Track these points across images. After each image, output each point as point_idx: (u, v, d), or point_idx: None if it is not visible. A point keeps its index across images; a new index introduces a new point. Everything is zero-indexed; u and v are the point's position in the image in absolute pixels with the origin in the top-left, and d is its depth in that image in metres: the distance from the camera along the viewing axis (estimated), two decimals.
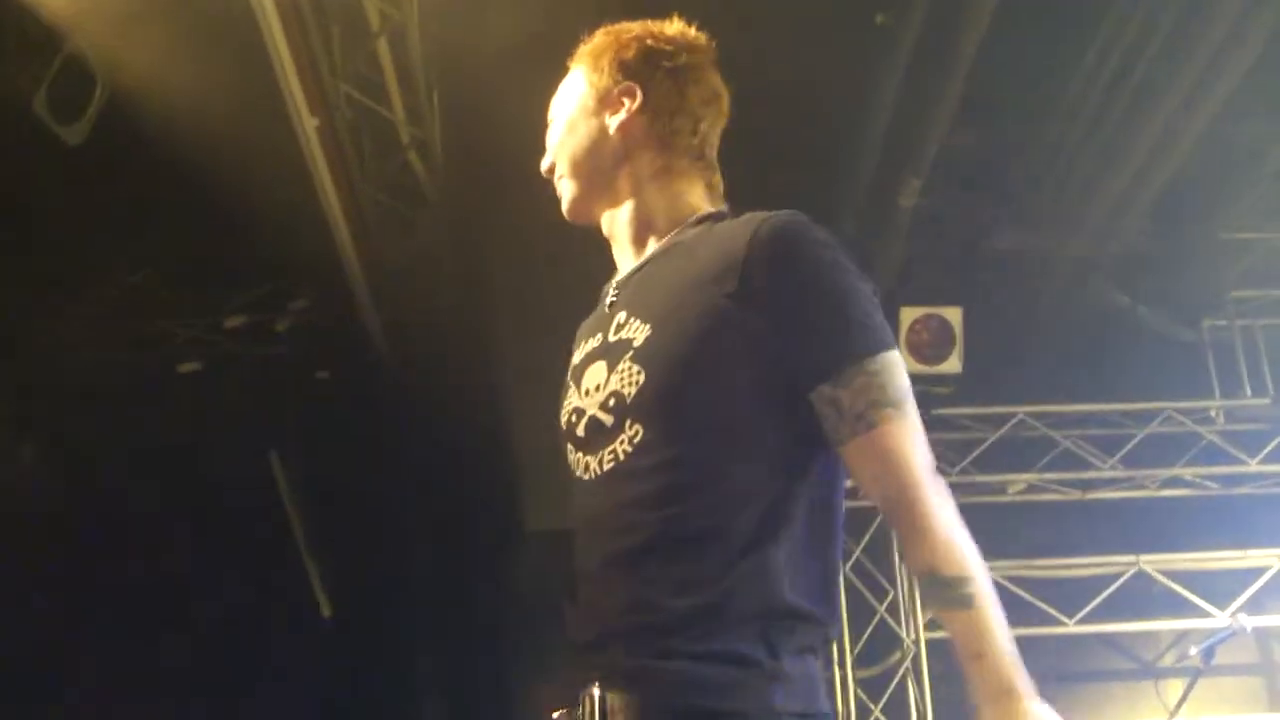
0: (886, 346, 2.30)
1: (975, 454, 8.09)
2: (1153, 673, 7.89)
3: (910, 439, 2.32)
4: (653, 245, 2.51)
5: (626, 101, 2.55)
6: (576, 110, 2.60)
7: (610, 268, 2.61)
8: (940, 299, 7.75)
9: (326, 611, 8.00)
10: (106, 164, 5.90)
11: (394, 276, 6.99)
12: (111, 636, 7.36)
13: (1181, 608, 7.85)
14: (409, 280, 7.03)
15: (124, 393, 7.57)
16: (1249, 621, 6.50)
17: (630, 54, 2.59)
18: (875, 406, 2.25)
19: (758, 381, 2.23)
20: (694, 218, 2.49)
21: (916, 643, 7.74)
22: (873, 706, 7.69)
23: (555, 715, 2.31)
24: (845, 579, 7.83)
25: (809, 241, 2.34)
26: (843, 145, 6.79)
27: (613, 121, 2.55)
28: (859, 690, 7.71)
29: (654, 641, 2.19)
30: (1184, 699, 6.62)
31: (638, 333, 2.35)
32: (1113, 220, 7.39)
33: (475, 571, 7.73)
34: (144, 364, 7.82)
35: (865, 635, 7.82)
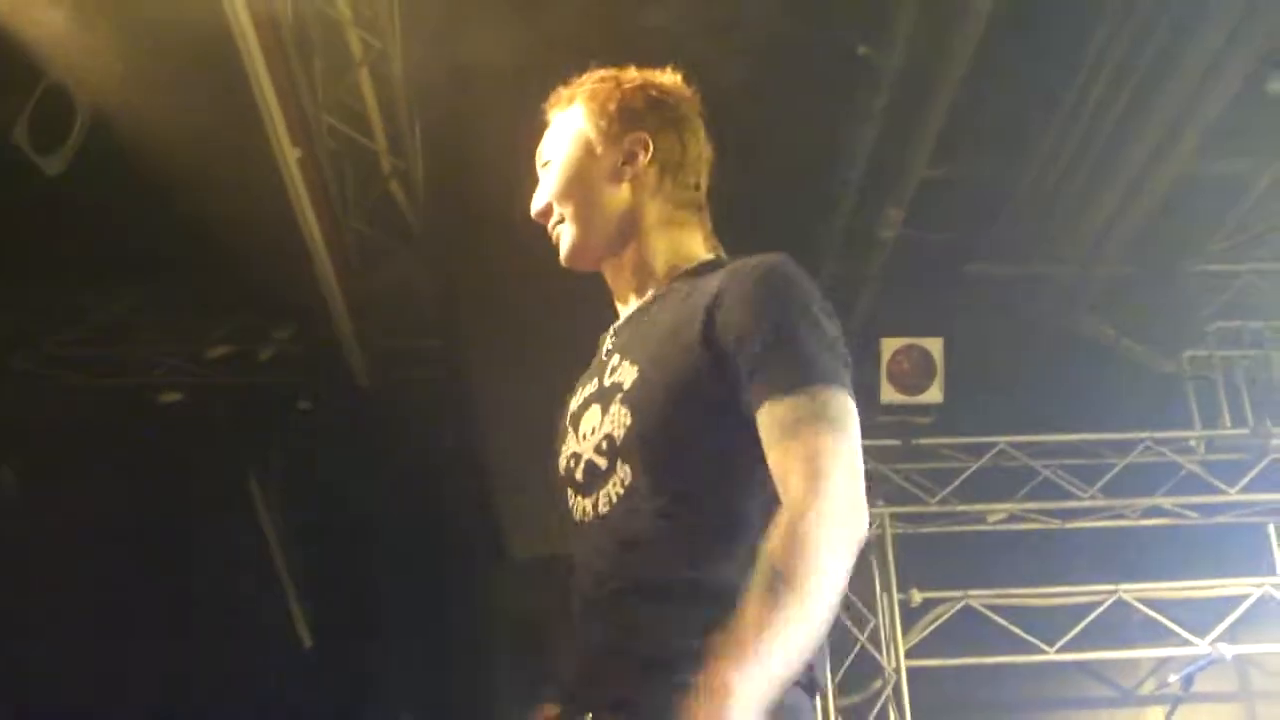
0: (835, 382, 2.21)
1: (956, 483, 8.10)
2: (1133, 700, 7.89)
3: (839, 453, 2.14)
4: (651, 292, 2.51)
5: (639, 153, 2.54)
6: (581, 155, 2.56)
7: (607, 313, 2.62)
8: (921, 330, 7.78)
9: (307, 641, 7.97)
10: (87, 194, 5.89)
11: (376, 306, 7.00)
12: (90, 666, 7.32)
13: (1161, 636, 7.86)
14: (391, 310, 7.04)
15: (104, 421, 7.55)
16: (1228, 649, 6.53)
17: (638, 103, 2.58)
18: (811, 420, 2.16)
19: (739, 414, 2.21)
20: (693, 265, 2.49)
21: (898, 671, 7.74)
22: None
23: None
24: None
25: (777, 277, 2.32)
26: (823, 177, 6.82)
27: (625, 172, 2.53)
28: (840, 718, 7.70)
29: (647, 677, 2.20)
30: None
31: (626, 375, 2.37)
32: (1094, 252, 7.43)
33: (456, 599, 7.72)
34: (126, 393, 7.80)
35: (846, 663, 7.81)
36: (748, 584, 2.15)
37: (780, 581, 2.04)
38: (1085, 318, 8.16)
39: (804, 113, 6.14)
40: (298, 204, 6.04)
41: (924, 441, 8.09)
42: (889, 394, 7.72)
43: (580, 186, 2.54)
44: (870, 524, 6.98)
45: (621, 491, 2.29)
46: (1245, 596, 7.98)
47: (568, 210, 2.54)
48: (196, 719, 7.37)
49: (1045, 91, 6.46)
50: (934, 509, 8.10)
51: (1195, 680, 6.46)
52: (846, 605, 7.89)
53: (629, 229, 2.54)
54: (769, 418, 2.19)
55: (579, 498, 2.41)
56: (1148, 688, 8.00)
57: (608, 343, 2.54)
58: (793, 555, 2.05)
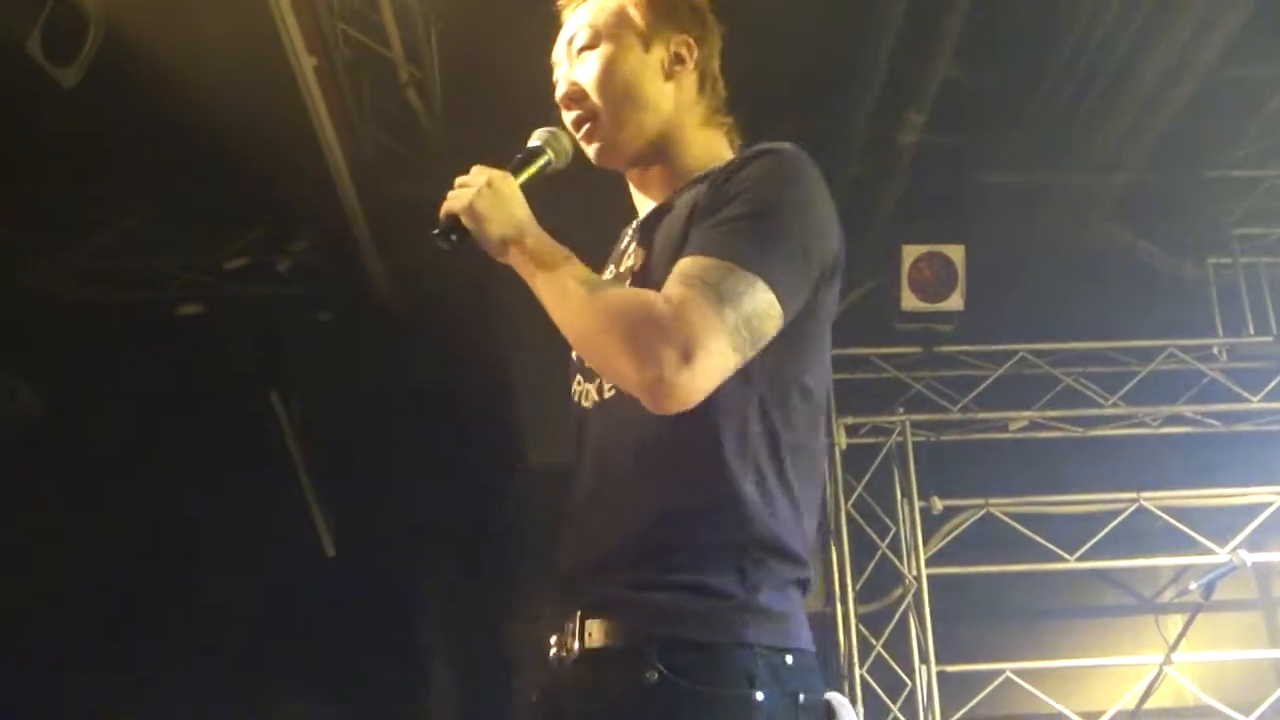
0: (764, 276, 2.13)
1: (977, 391, 8.09)
2: (1153, 608, 7.92)
3: (709, 324, 2.08)
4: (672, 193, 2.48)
5: (686, 56, 2.51)
6: (629, 48, 2.49)
7: (625, 218, 2.59)
8: (942, 237, 7.73)
9: (330, 551, 8.03)
10: (102, 106, 5.86)
11: (395, 216, 6.97)
12: (112, 577, 7.39)
13: (1182, 544, 7.88)
14: (410, 220, 7.00)
15: (124, 335, 7.56)
16: (1249, 557, 6.52)
17: (679, 3, 2.54)
18: (713, 283, 2.11)
19: None
20: (718, 164, 2.45)
21: (918, 578, 7.78)
22: (874, 642, 7.73)
23: (551, 641, 2.36)
24: (846, 515, 7.88)
25: (767, 163, 2.29)
26: (843, 82, 6.74)
27: (674, 72, 2.50)
28: (861, 626, 7.75)
29: (629, 571, 2.22)
30: (1183, 634, 6.65)
31: (637, 259, 2.38)
32: (1116, 156, 7.35)
33: (478, 507, 7.76)
34: (143, 306, 7.81)
35: (867, 571, 7.85)
36: (746, 474, 2.21)
37: (607, 296, 2.19)
38: (1108, 225, 8.10)
39: (821, 17, 6.06)
40: (314, 113, 6.00)
41: (945, 349, 8.07)
42: (910, 301, 7.68)
43: (627, 81, 2.48)
44: (891, 431, 7.06)
45: None
46: (1267, 505, 7.98)
47: (609, 104, 2.47)
48: (221, 632, 7.43)
49: None
50: (955, 416, 8.10)
51: (1216, 588, 6.46)
52: (867, 513, 7.93)
53: (669, 132, 2.50)
54: (679, 267, 2.17)
55: (585, 383, 2.42)
56: (1168, 596, 8.03)
57: (628, 235, 2.52)
58: (621, 307, 2.15)
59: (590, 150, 2.52)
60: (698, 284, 2.10)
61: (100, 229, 7.66)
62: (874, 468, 7.99)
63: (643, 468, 2.26)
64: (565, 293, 2.19)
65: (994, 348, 8.15)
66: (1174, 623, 6.96)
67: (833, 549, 7.80)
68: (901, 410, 8.07)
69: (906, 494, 7.95)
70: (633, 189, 2.60)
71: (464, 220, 2.26)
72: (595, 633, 2.22)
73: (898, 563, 7.85)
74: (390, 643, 7.72)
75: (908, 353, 8.08)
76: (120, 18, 5.44)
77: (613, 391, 2.33)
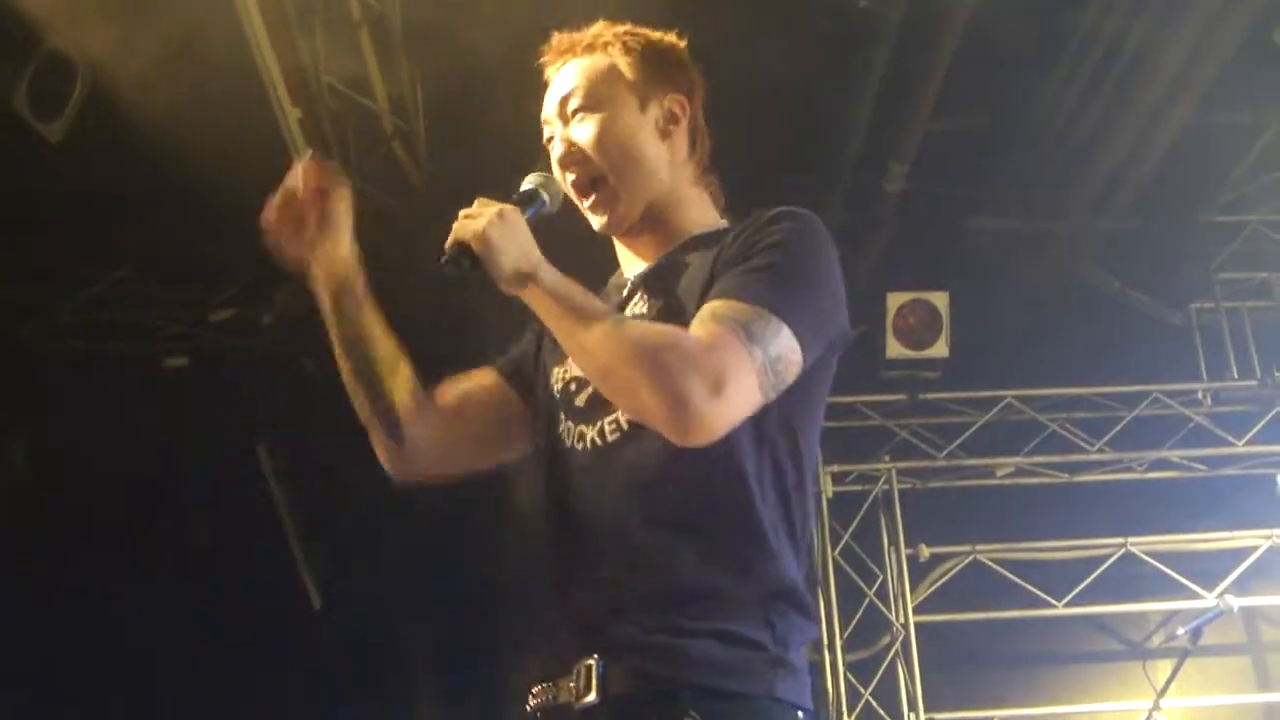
0: (790, 322, 2.17)
1: (963, 438, 8.10)
2: (1141, 654, 7.90)
3: (739, 360, 2.11)
4: (670, 248, 2.49)
5: (679, 114, 2.51)
6: (628, 109, 2.48)
7: (606, 271, 2.58)
8: (927, 284, 7.76)
9: (317, 603, 7.99)
10: (88, 160, 5.87)
11: (379, 266, 6.96)
12: (98, 630, 7.34)
13: (1169, 589, 7.88)
14: (393, 270, 7.01)
15: (109, 388, 7.54)
16: (1236, 601, 6.53)
17: (673, 63, 2.54)
18: (742, 323, 2.14)
19: None
20: (719, 228, 2.48)
21: (906, 626, 7.76)
22: (862, 690, 7.70)
23: (536, 690, 2.32)
24: (834, 563, 7.87)
25: (785, 221, 2.31)
26: (827, 131, 6.78)
27: (670, 131, 2.50)
28: (848, 674, 7.72)
29: (655, 616, 2.19)
30: (1172, 679, 6.64)
31: (650, 308, 2.37)
32: (1100, 203, 7.40)
33: (466, 557, 7.72)
34: (129, 359, 7.80)
35: (855, 619, 7.84)
36: (770, 521, 2.23)
37: (634, 329, 2.18)
38: (1092, 270, 8.14)
39: (806, 66, 6.10)
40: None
41: (931, 396, 8.09)
42: (895, 349, 7.71)
43: (627, 143, 2.46)
44: (877, 478, 7.05)
45: (630, 422, 2.27)
46: (1253, 548, 7.98)
47: (610, 168, 2.45)
48: (206, 683, 7.38)
49: (1049, 43, 6.42)
50: (941, 463, 8.11)
51: (1203, 633, 6.46)
52: (854, 561, 7.92)
53: (666, 192, 2.49)
54: (707, 309, 2.19)
55: (573, 423, 2.39)
56: (1156, 641, 8.01)
57: (625, 288, 2.50)
58: (651, 338, 2.14)
59: (598, 220, 2.50)
60: (728, 322, 2.13)
61: (85, 282, 7.66)
62: (860, 515, 8.00)
63: (662, 511, 2.25)
64: (589, 326, 2.17)
65: (979, 394, 8.16)
66: (1162, 668, 6.93)
67: (820, 597, 7.78)
68: (887, 458, 8.08)
69: (893, 541, 7.95)
70: (619, 245, 2.58)
71: (476, 248, 2.21)
72: (620, 679, 2.18)
73: (885, 610, 7.83)
74: (378, 694, 7.67)
75: (893, 400, 8.09)
76: (106, 72, 5.46)
77: (617, 434, 2.32)
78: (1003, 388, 8.15)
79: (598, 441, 2.35)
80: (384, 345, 2.60)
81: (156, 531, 7.53)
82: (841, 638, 7.76)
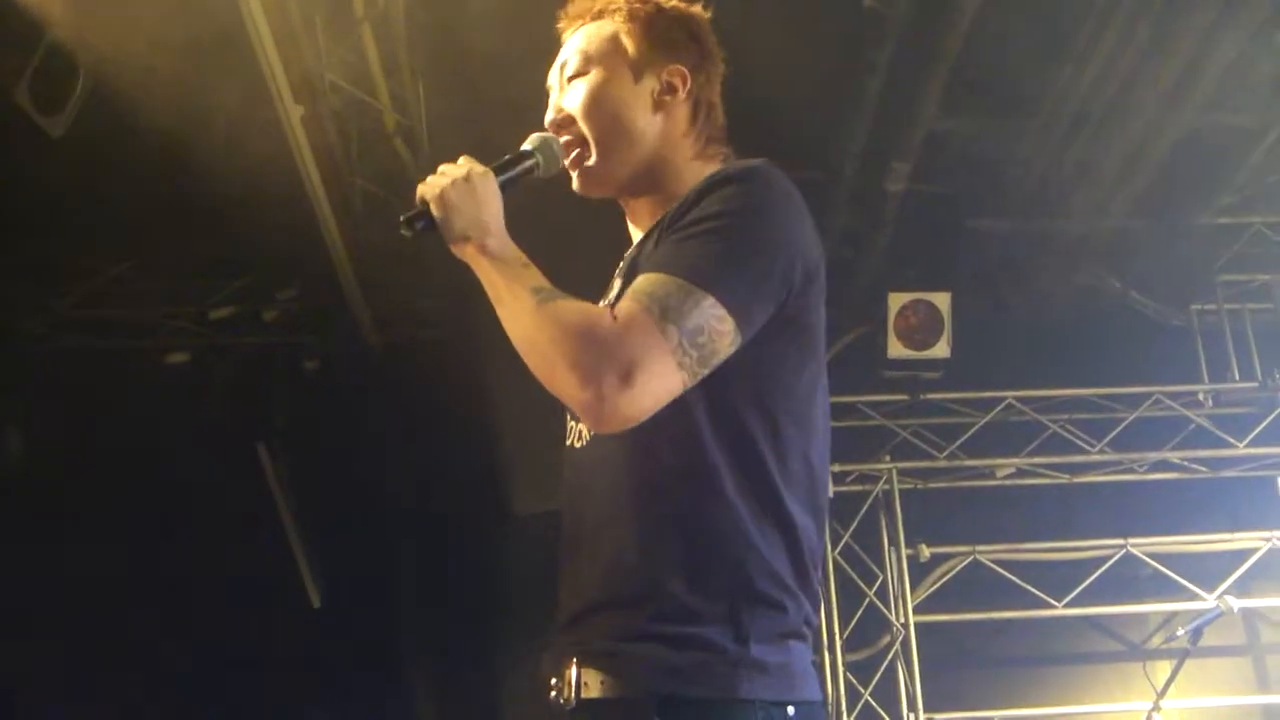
0: (711, 287, 2.08)
1: (964, 438, 8.10)
2: (1141, 654, 7.90)
3: (652, 328, 2.04)
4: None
5: (678, 86, 2.46)
6: (618, 76, 2.45)
7: (612, 258, 2.56)
8: (929, 284, 7.76)
9: (316, 602, 7.99)
10: (91, 155, 5.88)
11: (382, 265, 6.98)
12: (100, 627, 7.34)
13: (1169, 590, 7.88)
14: (397, 268, 7.02)
15: (111, 382, 7.55)
16: (1236, 603, 6.53)
17: (679, 33, 2.49)
18: (647, 299, 2.08)
19: None
20: None
21: (906, 626, 7.76)
22: (862, 690, 7.70)
23: (554, 681, 2.30)
24: (834, 563, 7.87)
25: (731, 180, 2.24)
26: (830, 130, 6.78)
27: (664, 102, 2.45)
28: (848, 674, 7.72)
29: (621, 619, 2.17)
30: (1171, 680, 6.64)
31: (620, 286, 2.33)
32: (1102, 204, 7.40)
33: (464, 557, 7.72)
34: (131, 354, 7.80)
35: (854, 620, 7.84)
36: (740, 513, 2.16)
37: (556, 307, 2.10)
38: (1094, 272, 8.14)
39: (810, 66, 6.09)
40: (301, 162, 6.03)
41: (932, 397, 8.09)
42: (896, 349, 7.70)
43: (614, 110, 2.43)
44: (878, 479, 7.04)
45: None
46: (1253, 550, 7.99)
47: (595, 133, 2.43)
48: (205, 680, 7.38)
49: (1052, 44, 6.41)
50: (942, 464, 8.10)
51: (1203, 634, 6.46)
52: (854, 561, 7.92)
53: (658, 164, 2.45)
54: (633, 284, 2.13)
55: (575, 421, 2.37)
56: (1156, 642, 8.02)
57: (622, 262, 2.47)
58: (567, 322, 2.08)
59: (575, 178, 2.47)
60: (645, 299, 2.06)
61: (88, 277, 7.67)
62: (861, 515, 7.99)
63: (624, 509, 2.21)
64: (517, 299, 2.14)
65: (980, 395, 8.16)
66: (1162, 669, 6.94)
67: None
68: (888, 458, 8.07)
69: (894, 542, 7.94)
70: (628, 220, 2.55)
71: (433, 208, 2.21)
72: (592, 684, 2.17)
73: (885, 611, 7.83)
74: (378, 693, 7.67)
75: (894, 400, 8.08)
76: (108, 67, 5.46)
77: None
78: (1004, 388, 8.15)
79: (585, 437, 2.33)
80: None
81: (155, 528, 7.53)
82: (841, 637, 7.77)
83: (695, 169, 2.44)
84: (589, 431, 2.31)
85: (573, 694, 2.19)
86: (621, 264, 2.46)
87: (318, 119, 6.01)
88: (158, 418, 7.44)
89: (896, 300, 7.74)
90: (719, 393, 2.14)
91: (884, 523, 8.00)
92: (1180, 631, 6.61)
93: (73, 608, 7.34)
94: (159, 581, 7.47)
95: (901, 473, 8.05)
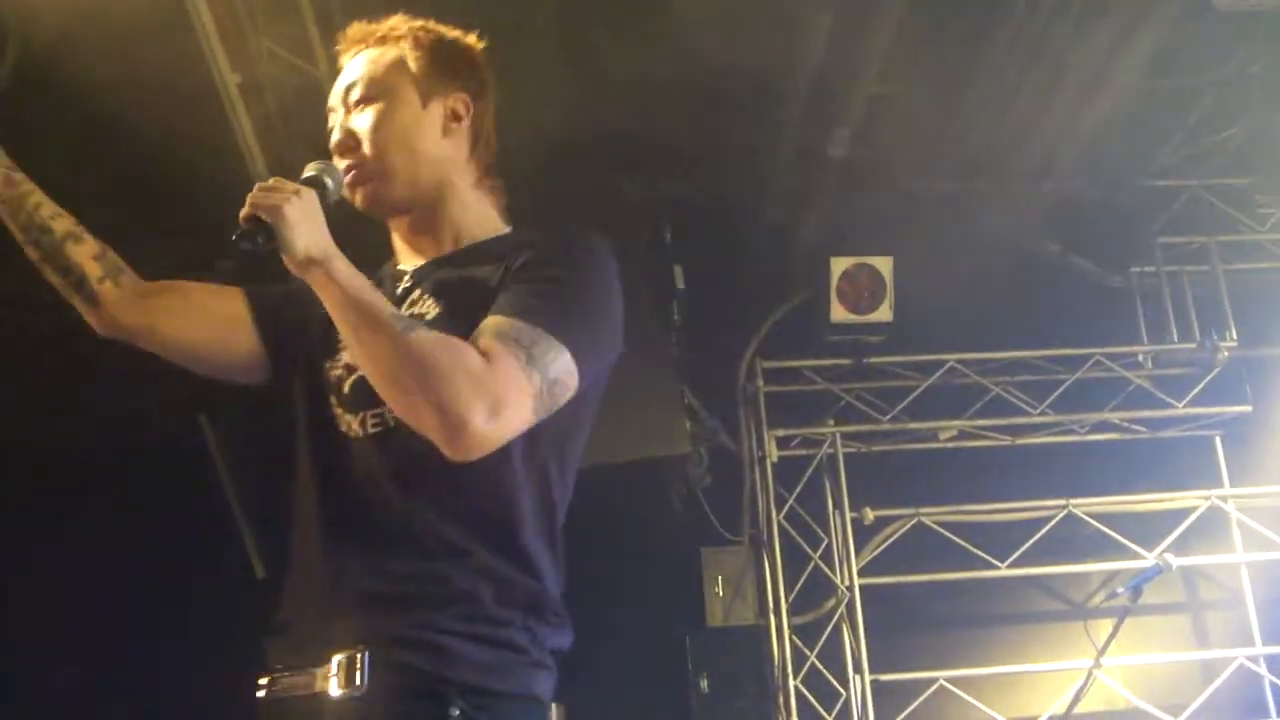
0: (567, 341, 2.22)
1: (906, 401, 8.14)
2: (1083, 613, 7.97)
3: (518, 371, 2.16)
4: (452, 248, 2.52)
5: (462, 113, 2.53)
6: (407, 102, 2.50)
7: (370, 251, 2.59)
8: (871, 249, 7.78)
9: (261, 573, 7.94)
10: (22, 123, 5.77)
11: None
12: (42, 597, 7.28)
13: (1111, 549, 7.95)
14: (340, 238, 6.96)
15: (49, 354, 7.45)
16: (1175, 561, 6.61)
17: (462, 62, 2.57)
18: (514, 344, 2.18)
19: None
20: (503, 233, 2.53)
21: (851, 589, 7.81)
22: (808, 652, 7.74)
23: (264, 681, 2.35)
24: (779, 528, 7.91)
25: (574, 240, 2.38)
26: (771, 95, 6.77)
27: (450, 129, 2.52)
28: (794, 637, 7.76)
29: (426, 615, 2.23)
30: (1112, 637, 6.73)
31: (429, 310, 2.39)
32: (1042, 167, 7.43)
33: None
34: (69, 327, 7.69)
35: (800, 583, 7.87)
36: (539, 532, 2.32)
37: (420, 338, 2.15)
38: (1034, 235, 8.18)
39: (749, 32, 6.07)
40: (239, 131, 5.95)
41: (875, 360, 8.12)
42: (839, 313, 7.73)
43: (403, 134, 2.49)
44: (822, 442, 7.06)
45: (396, 420, 2.27)
46: (1193, 509, 8.08)
47: (385, 156, 2.48)
48: (150, 651, 7.33)
49: (993, 6, 6.42)
50: (885, 427, 8.14)
51: (1143, 591, 6.54)
52: (799, 524, 7.95)
53: (442, 189, 2.52)
54: (492, 323, 2.21)
55: (343, 410, 2.43)
56: (1097, 601, 8.09)
57: (405, 281, 2.52)
58: (437, 353, 2.12)
59: (356, 197, 2.52)
60: (511, 344, 2.16)
61: (19, 249, 7.55)
62: (805, 479, 8.02)
63: (439, 508, 2.29)
64: (377, 326, 2.17)
65: (923, 358, 8.20)
66: (1104, 627, 7.02)
67: (765, 561, 7.82)
68: (832, 421, 8.10)
69: (838, 505, 7.98)
70: (397, 238, 2.61)
71: (272, 223, 2.20)
72: (387, 672, 2.21)
73: (830, 573, 7.88)
74: None
75: (838, 364, 8.11)
76: (40, 33, 5.37)
77: (379, 429, 2.35)
78: (946, 351, 8.19)
79: (360, 433, 2.39)
80: (59, 223, 2.85)
81: (96, 500, 7.47)
82: (787, 601, 7.80)
83: (476, 199, 2.55)
84: (372, 422, 2.36)
85: (359, 680, 2.21)
86: (406, 277, 2.52)
87: (256, 87, 5.94)
88: (98, 389, 7.36)
89: (839, 265, 7.76)
90: (534, 430, 2.26)
91: (828, 486, 8.03)
92: (1120, 589, 6.69)
93: (4, 577, 7.26)
94: (98, 550, 7.41)
95: (845, 436, 8.09)
